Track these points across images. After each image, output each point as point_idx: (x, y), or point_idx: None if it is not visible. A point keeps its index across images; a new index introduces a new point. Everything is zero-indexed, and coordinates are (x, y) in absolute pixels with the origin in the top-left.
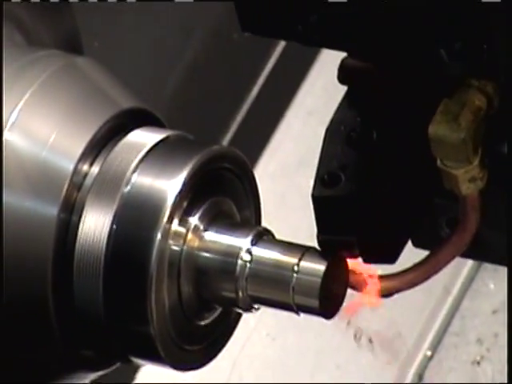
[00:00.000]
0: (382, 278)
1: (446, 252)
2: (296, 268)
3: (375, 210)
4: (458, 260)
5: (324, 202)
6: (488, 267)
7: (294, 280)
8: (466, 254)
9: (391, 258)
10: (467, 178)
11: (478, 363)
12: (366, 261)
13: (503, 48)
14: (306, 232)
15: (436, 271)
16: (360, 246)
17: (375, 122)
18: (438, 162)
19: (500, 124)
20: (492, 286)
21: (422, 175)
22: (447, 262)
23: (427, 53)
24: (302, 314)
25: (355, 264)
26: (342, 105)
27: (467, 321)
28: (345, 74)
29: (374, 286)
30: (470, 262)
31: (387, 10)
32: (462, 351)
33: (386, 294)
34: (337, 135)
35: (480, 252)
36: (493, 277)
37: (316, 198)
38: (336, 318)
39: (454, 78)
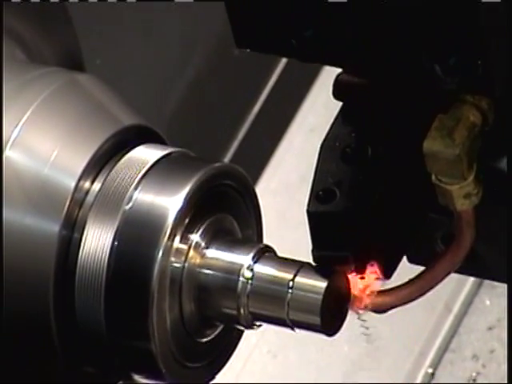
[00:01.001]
0: (376, 293)
1: (441, 268)
2: (291, 284)
3: (370, 225)
4: (459, 277)
5: (319, 218)
6: (484, 283)
7: (288, 296)
8: (461, 270)
9: (387, 274)
10: (462, 194)
11: (474, 380)
12: (361, 277)
13: (498, 63)
14: (308, 248)
15: (431, 287)
16: (355, 262)
17: (370, 138)
18: (433, 177)
19: (495, 140)
20: (488, 302)
21: (417, 191)
22: (442, 277)
23: (422, 68)
24: (303, 331)
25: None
26: (337, 121)
27: (463, 337)
28: (340, 89)
29: (370, 301)
30: (471, 280)
31: (382, 25)
32: (458, 367)
33: (381, 309)
34: (332, 151)
35: (475, 268)
36: (489, 293)
37: (311, 214)
38: (337, 335)
39: (448, 94)
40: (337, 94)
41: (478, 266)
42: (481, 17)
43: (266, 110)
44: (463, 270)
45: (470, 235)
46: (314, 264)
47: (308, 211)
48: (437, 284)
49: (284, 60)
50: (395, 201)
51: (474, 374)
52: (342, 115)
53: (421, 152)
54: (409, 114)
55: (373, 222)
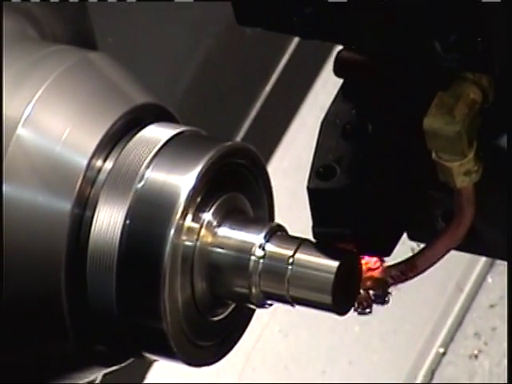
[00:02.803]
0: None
1: (441, 245)
2: (302, 262)
3: (370, 202)
4: (470, 257)
5: (319, 195)
6: (486, 261)
7: (299, 275)
8: (461, 247)
9: (386, 251)
10: (462, 171)
11: (476, 357)
12: (361, 253)
13: (498, 41)
14: None
15: (431, 264)
16: (355, 239)
17: (370, 115)
18: (433, 154)
19: (495, 117)
20: (490, 280)
21: (418, 168)
22: (443, 254)
23: (422, 45)
24: (313, 311)
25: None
26: (338, 97)
27: (465, 315)
28: (340, 66)
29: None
30: (483, 259)
31: (382, 3)
32: (460, 345)
33: (382, 288)
34: (332, 128)
35: (475, 245)
36: (491, 271)
37: (311, 191)
38: (349, 315)
39: (448, 71)
40: (337, 71)
41: (478, 244)
42: None
43: (277, 89)
44: (463, 248)
45: (470, 212)
46: (314, 240)
47: (308, 188)
48: (437, 261)
49: (296, 39)
50: (395, 178)
51: (475, 352)
52: (342, 92)
53: (421, 129)
54: (409, 91)
55: (373, 199)
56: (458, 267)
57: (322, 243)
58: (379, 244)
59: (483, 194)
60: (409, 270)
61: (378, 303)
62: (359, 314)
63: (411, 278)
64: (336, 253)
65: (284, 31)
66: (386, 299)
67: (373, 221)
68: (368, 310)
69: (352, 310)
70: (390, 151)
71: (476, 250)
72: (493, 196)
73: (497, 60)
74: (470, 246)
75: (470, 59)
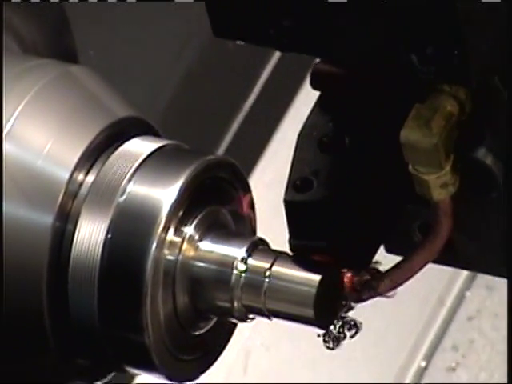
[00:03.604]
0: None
1: (418, 258)
2: (284, 277)
3: (347, 215)
4: (452, 270)
5: (296, 207)
6: (468, 275)
7: (281, 289)
8: (438, 260)
9: (363, 264)
10: (439, 184)
11: (454, 370)
12: (335, 265)
13: (474, 53)
14: None
15: (409, 277)
16: (332, 251)
17: (347, 128)
18: (410, 167)
19: (472, 129)
20: (468, 293)
21: (394, 180)
22: (420, 267)
23: (399, 57)
24: (295, 324)
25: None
26: (315, 110)
27: (446, 328)
28: (317, 79)
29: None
30: (465, 273)
31: (358, 15)
32: (437, 358)
33: (359, 299)
34: (309, 140)
35: (452, 258)
36: (468, 284)
37: (288, 203)
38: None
39: (425, 83)
40: (314, 84)
41: (455, 256)
42: (458, 6)
43: (259, 102)
44: (440, 261)
45: (447, 225)
46: (291, 253)
47: (285, 200)
48: (414, 274)
49: (277, 53)
50: (372, 190)
51: (453, 365)
52: (319, 104)
53: (398, 142)
54: (386, 103)
55: (349, 212)
56: (440, 281)
57: (301, 256)
58: (356, 257)
59: (460, 207)
60: (385, 283)
61: (349, 330)
62: (327, 347)
63: (388, 291)
64: (316, 266)
65: (261, 44)
66: (357, 326)
67: (349, 233)
68: (335, 343)
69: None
70: (367, 164)
71: (453, 263)
72: (470, 208)
73: (473, 72)
74: (447, 258)
75: (447, 72)
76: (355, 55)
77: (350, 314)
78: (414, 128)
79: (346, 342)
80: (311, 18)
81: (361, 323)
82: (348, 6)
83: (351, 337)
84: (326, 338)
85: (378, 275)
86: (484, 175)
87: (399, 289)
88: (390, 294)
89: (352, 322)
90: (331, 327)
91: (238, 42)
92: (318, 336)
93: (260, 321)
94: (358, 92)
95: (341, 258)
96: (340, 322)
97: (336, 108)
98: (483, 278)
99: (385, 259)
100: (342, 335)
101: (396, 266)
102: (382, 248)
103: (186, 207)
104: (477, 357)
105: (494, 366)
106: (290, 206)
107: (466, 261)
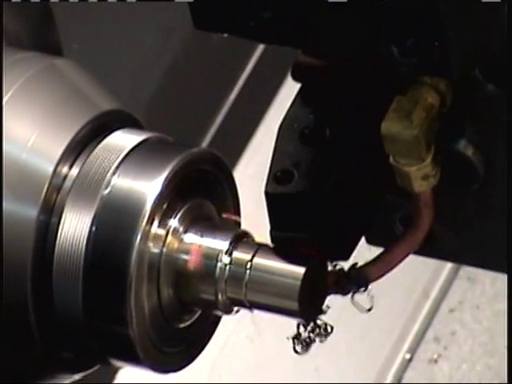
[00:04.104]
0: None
1: (399, 249)
2: (267, 269)
3: (328, 206)
4: (436, 263)
5: (277, 199)
6: (452, 267)
7: (265, 281)
8: (419, 252)
9: (345, 255)
10: (420, 176)
11: (436, 361)
12: (319, 257)
13: (455, 45)
14: None
15: (390, 269)
16: (313, 243)
17: (328, 119)
18: (391, 159)
19: (453, 121)
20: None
21: (376, 172)
22: (401, 259)
23: (379, 49)
24: (279, 317)
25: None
26: (296, 102)
27: (430, 321)
28: (298, 70)
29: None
30: (449, 265)
31: (338, 7)
32: (420, 349)
33: (341, 291)
34: (290, 132)
35: (433, 249)
36: (450, 276)
37: (269, 195)
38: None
39: (406, 75)
40: (295, 75)
41: (436, 248)
42: None
43: (243, 95)
44: (421, 252)
45: (428, 217)
46: (271, 245)
47: (266, 192)
48: (395, 266)
49: (262, 46)
50: (353, 182)
51: (435, 356)
52: (300, 96)
53: (379, 133)
54: (367, 95)
55: (330, 204)
56: (424, 272)
57: (283, 248)
58: (337, 248)
59: (441, 199)
60: (366, 275)
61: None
62: (295, 351)
63: (368, 283)
64: (299, 258)
65: (241, 36)
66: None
67: (330, 225)
68: (304, 348)
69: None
70: (348, 156)
71: (434, 255)
72: (450, 200)
73: (454, 64)
74: (428, 250)
75: (428, 63)
76: (335, 47)
77: (335, 305)
78: (394, 120)
79: (331, 336)
80: (291, 9)
81: (332, 327)
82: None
83: (321, 341)
84: (296, 342)
85: (355, 269)
86: (465, 167)
87: (384, 281)
88: (368, 306)
89: (323, 326)
90: (301, 329)
91: (219, 34)
92: (287, 339)
93: (245, 313)
94: (339, 84)
95: (322, 249)
96: (311, 325)
97: (317, 100)
98: (465, 270)
99: (369, 252)
100: (312, 339)
101: (377, 258)
102: (363, 240)
103: (171, 200)
104: (458, 348)
105: (476, 357)
106: (271, 197)
107: (447, 252)
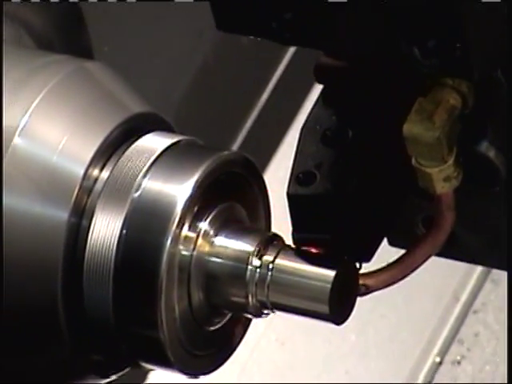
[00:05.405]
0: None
1: (421, 251)
2: (299, 272)
3: (350, 208)
4: (466, 266)
5: (299, 201)
6: (483, 270)
7: (296, 284)
8: (441, 253)
9: (366, 257)
10: (442, 177)
11: (459, 363)
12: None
13: (476, 46)
14: None
15: (412, 270)
16: (335, 244)
17: (350, 121)
18: (413, 160)
19: (475, 123)
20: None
21: (398, 174)
22: (423, 261)
23: (401, 51)
24: (309, 319)
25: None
26: (318, 103)
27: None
28: (320, 72)
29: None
30: (479, 268)
31: (360, 9)
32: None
33: (361, 293)
34: (312, 134)
35: (456, 251)
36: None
37: (291, 197)
38: (345, 324)
39: (428, 77)
40: (318, 77)
41: (458, 249)
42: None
43: (274, 98)
44: (444, 254)
45: (450, 218)
46: (293, 246)
47: (288, 193)
48: (417, 267)
49: (292, 49)
50: (375, 183)
51: (458, 358)
52: (322, 98)
53: (401, 135)
54: (389, 96)
55: (352, 205)
56: (454, 276)
57: (305, 250)
58: (359, 250)
59: (463, 200)
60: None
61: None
62: None
63: (389, 285)
64: (328, 260)
65: (263, 37)
66: None
67: (352, 226)
68: None
69: None
70: (370, 157)
71: (456, 256)
72: (472, 202)
73: (476, 65)
74: (450, 251)
75: (449, 65)
76: (357, 49)
77: (365, 308)
78: (416, 122)
79: (361, 339)
80: (313, 10)
81: None
82: (349, 1)
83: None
84: None
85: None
86: (487, 169)
87: (414, 284)
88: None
89: None
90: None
91: (242, 36)
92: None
93: (275, 316)
94: (361, 85)
95: (344, 250)
96: None
97: (339, 101)
98: (489, 272)
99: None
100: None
101: (399, 260)
102: (385, 241)
103: (201, 203)
104: (481, 350)
105: (499, 359)
106: (293, 199)
107: (469, 254)
